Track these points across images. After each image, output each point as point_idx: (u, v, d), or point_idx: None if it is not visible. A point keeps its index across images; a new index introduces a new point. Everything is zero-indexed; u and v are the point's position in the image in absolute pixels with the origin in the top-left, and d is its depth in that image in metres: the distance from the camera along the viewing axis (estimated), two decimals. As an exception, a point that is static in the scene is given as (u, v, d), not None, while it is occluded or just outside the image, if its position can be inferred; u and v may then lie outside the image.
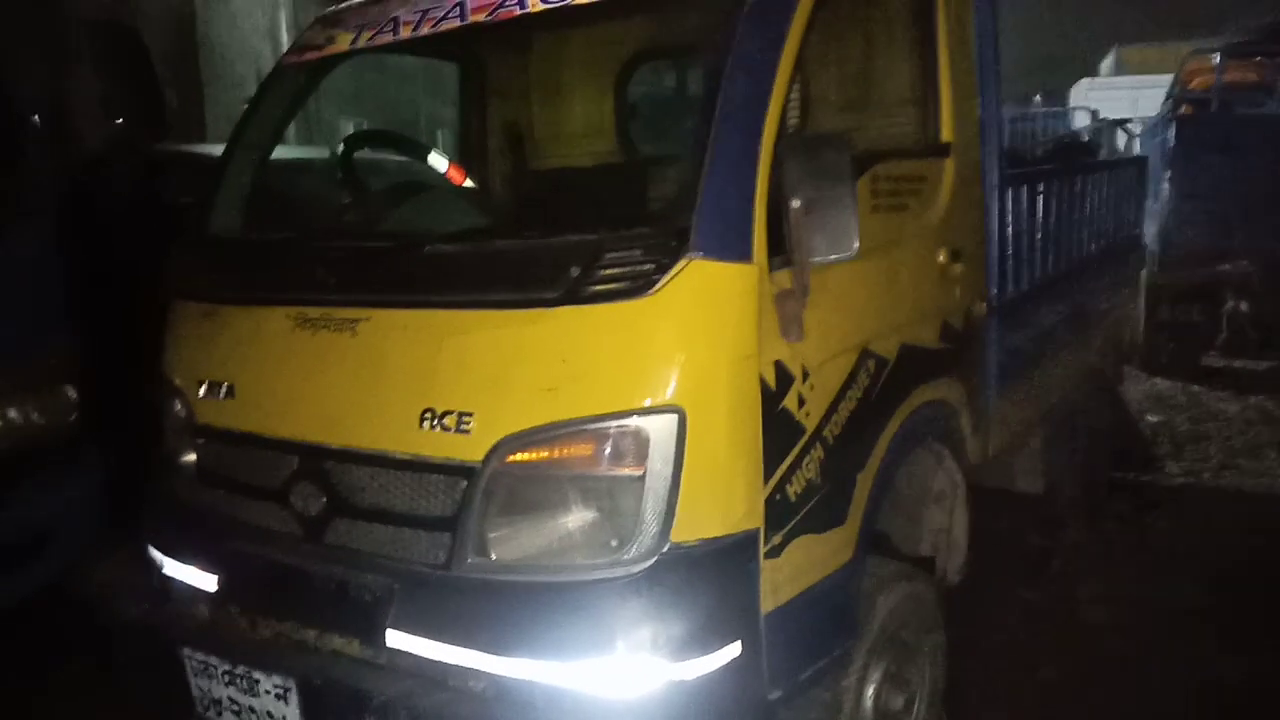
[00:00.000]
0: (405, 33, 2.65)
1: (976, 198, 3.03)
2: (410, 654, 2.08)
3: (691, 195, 1.98)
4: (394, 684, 2.06)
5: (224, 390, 2.46)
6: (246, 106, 2.97)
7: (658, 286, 1.93)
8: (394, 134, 3.35)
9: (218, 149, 3.02)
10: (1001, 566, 3.80)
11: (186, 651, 2.34)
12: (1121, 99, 14.19)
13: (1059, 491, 4.29)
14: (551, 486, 2.03)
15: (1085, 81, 17.57)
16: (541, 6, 2.43)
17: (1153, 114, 9.43)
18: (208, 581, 2.45)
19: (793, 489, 2.16)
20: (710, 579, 2.00)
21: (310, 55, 2.86)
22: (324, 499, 2.24)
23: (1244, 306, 7.16)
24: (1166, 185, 7.21)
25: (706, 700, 1.99)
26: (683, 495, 1.95)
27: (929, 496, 2.99)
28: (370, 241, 2.47)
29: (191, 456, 2.57)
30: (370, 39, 2.73)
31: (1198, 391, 7.16)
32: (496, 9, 2.49)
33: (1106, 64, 22.12)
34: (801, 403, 2.17)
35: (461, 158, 3.77)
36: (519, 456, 2.01)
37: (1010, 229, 3.29)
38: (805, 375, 2.17)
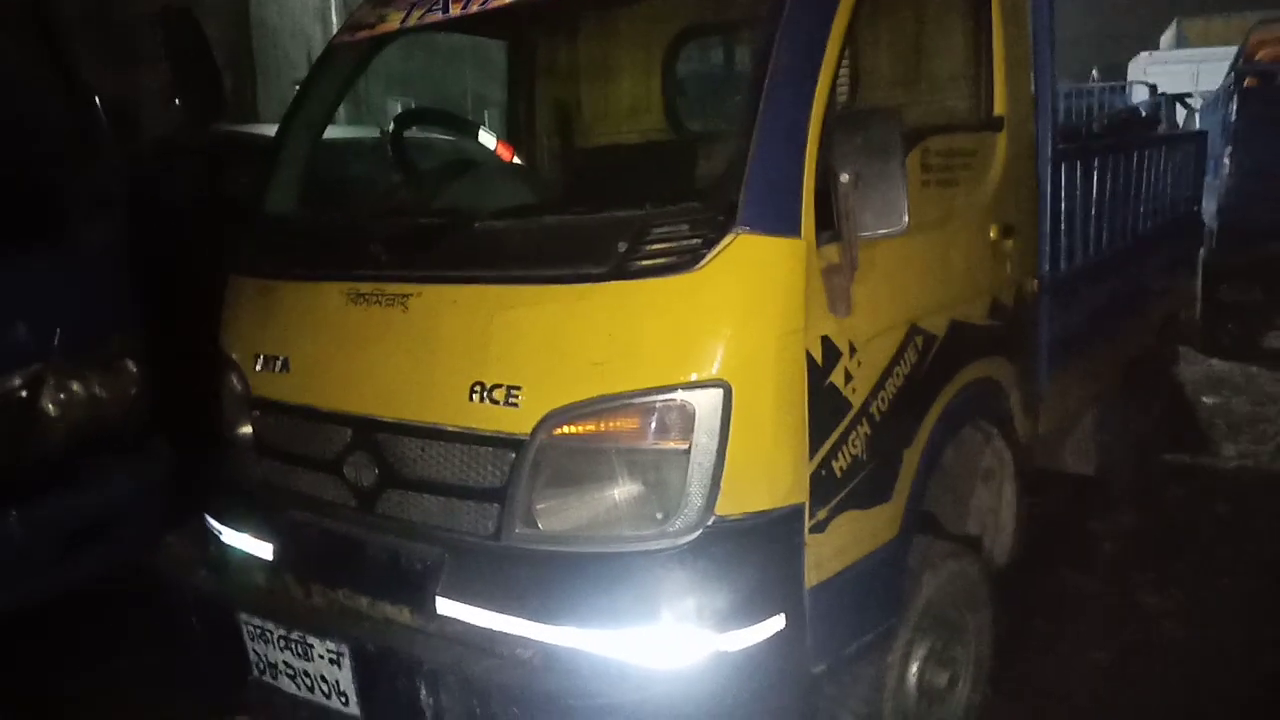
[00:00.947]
0: (455, 10, 2.67)
1: (1029, 173, 2.99)
2: (460, 621, 2.13)
3: (739, 169, 1.98)
4: (444, 650, 2.11)
5: (279, 364, 2.52)
6: (299, 86, 3.02)
7: (705, 261, 1.94)
8: (444, 112, 3.40)
9: (271, 129, 3.08)
10: (1052, 548, 3.76)
11: (244, 617, 2.41)
12: (1182, 73, 13.79)
13: (1111, 473, 4.23)
14: (598, 459, 2.06)
15: (1144, 55, 17.09)
16: None
17: (1214, 88, 9.16)
18: (264, 550, 2.52)
19: (838, 465, 2.16)
20: (755, 552, 2.01)
21: (362, 34, 2.89)
22: (376, 470, 2.29)
23: (1305, 285, 6.96)
24: (1227, 161, 7.01)
25: (750, 671, 2.01)
26: (728, 469, 1.97)
27: (977, 475, 2.97)
28: (421, 218, 2.50)
29: (248, 429, 2.63)
30: (421, 17, 2.75)
31: (1256, 373, 6.98)
32: (546, -14, 2.49)
33: (1167, 37, 21.50)
34: (848, 378, 2.17)
35: (510, 136, 3.79)
36: (566, 429, 2.04)
37: (1063, 205, 3.24)
38: (852, 351, 2.17)
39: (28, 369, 3.04)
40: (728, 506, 1.98)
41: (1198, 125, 8.88)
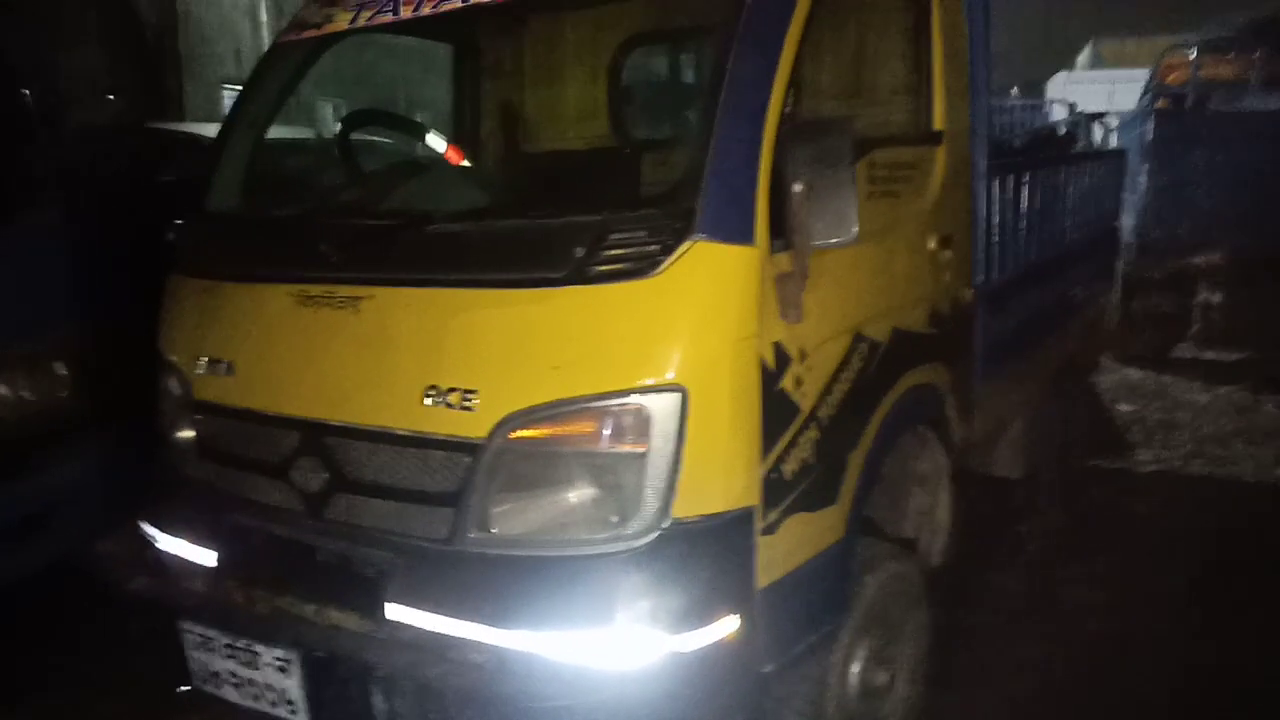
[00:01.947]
0: (406, 12, 2.65)
1: (965, 186, 3.09)
2: (411, 627, 2.11)
3: (697, 177, 2.01)
4: (397, 656, 2.09)
5: (224, 367, 2.47)
6: (244, 84, 2.96)
7: (662, 267, 1.97)
8: (392, 114, 3.36)
9: (200, 128, 3.02)
10: (982, 549, 3.88)
11: (185, 625, 2.36)
12: (1098, 92, 14.32)
13: (1037, 476, 4.38)
14: (555, 463, 2.07)
15: (1062, 74, 17.73)
16: None
17: (1129, 108, 9.55)
18: (206, 557, 2.47)
19: (788, 468, 2.21)
20: (709, 554, 2.05)
21: (309, 34, 2.86)
22: (325, 475, 2.27)
23: (1216, 298, 7.29)
24: (1143, 178, 7.32)
25: (703, 672, 2.04)
26: (683, 472, 2.00)
27: (914, 479, 3.05)
28: (373, 220, 2.48)
29: (190, 433, 2.58)
30: (370, 18, 2.73)
31: (1169, 381, 7.29)
32: (498, -11, 2.50)
33: (1083, 57, 22.31)
34: (799, 383, 2.22)
35: (454, 139, 3.77)
36: (523, 433, 2.04)
37: (995, 218, 3.35)
38: (803, 356, 2.22)
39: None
40: (683, 509, 2.01)
41: (1114, 143, 9.25)
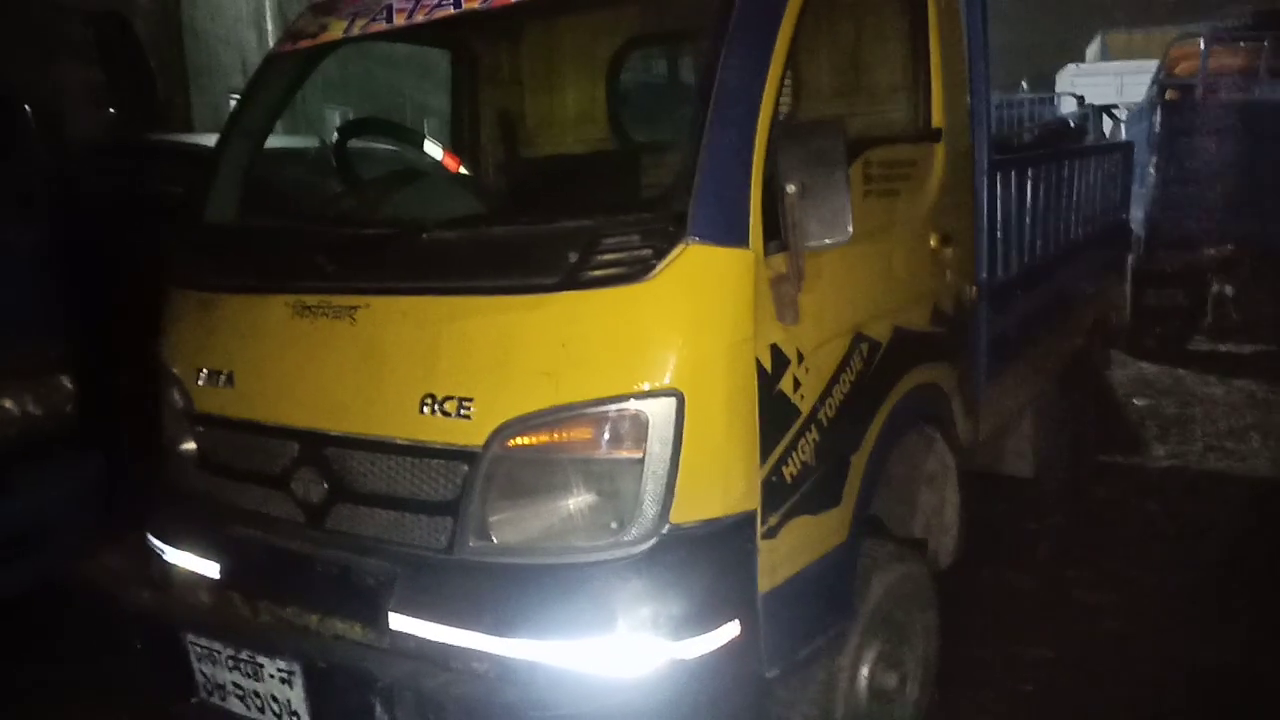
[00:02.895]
0: (400, 20, 2.66)
1: (966, 183, 3.06)
2: (413, 636, 2.11)
3: (688, 181, 2.00)
4: (398, 666, 2.08)
5: (223, 378, 2.47)
6: (240, 96, 2.97)
7: (655, 271, 1.96)
8: (389, 122, 3.35)
9: (205, 139, 3.03)
10: (992, 549, 3.85)
11: (190, 638, 2.35)
12: (1107, 85, 14.26)
13: (1048, 474, 4.35)
14: (552, 470, 2.06)
15: (1071, 67, 17.63)
16: None
17: (1138, 100, 9.48)
18: (209, 569, 2.47)
19: (788, 471, 2.19)
20: (709, 559, 2.03)
21: (304, 44, 2.86)
22: (325, 485, 2.27)
23: (1229, 290, 7.23)
24: (1152, 171, 7.26)
25: (706, 679, 2.02)
26: (681, 477, 1.98)
27: (921, 479, 3.03)
28: (368, 229, 2.48)
29: (191, 445, 2.58)
30: (364, 27, 2.73)
31: (1183, 375, 7.23)
32: (491, -4, 2.50)
33: (1092, 50, 22.20)
34: (797, 385, 2.20)
35: (453, 146, 3.78)
36: (519, 441, 2.03)
37: (999, 214, 3.32)
38: (800, 358, 2.20)
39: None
40: (681, 515, 1.99)
41: (1124, 136, 9.19)
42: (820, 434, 2.29)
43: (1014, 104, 13.51)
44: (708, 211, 1.99)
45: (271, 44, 3.01)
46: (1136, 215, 6.98)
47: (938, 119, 2.87)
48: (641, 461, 1.97)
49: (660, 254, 1.96)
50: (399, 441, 2.15)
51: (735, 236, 2.03)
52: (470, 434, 2.05)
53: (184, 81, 10.25)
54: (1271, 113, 7.33)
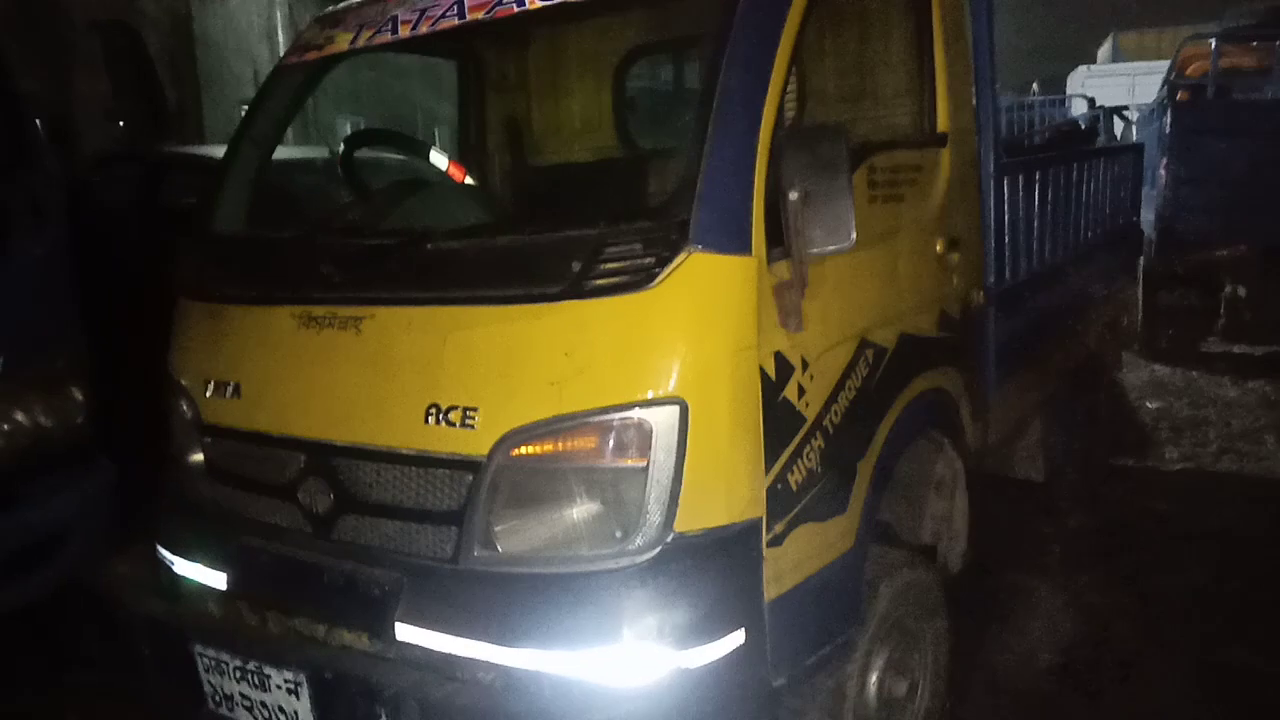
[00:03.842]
0: (404, 32, 2.67)
1: (973, 187, 3.05)
2: (419, 647, 2.11)
3: (690, 188, 2.00)
4: (404, 676, 2.09)
5: (230, 389, 2.48)
6: (247, 107, 2.99)
7: (658, 279, 1.96)
8: (394, 133, 3.37)
9: (217, 150, 3.04)
10: (1004, 554, 3.83)
11: (198, 648, 2.36)
12: (1119, 86, 14.19)
13: (1059, 478, 4.32)
14: (556, 479, 2.06)
15: (1082, 69, 17.55)
16: (539, 4, 2.45)
17: (1150, 101, 9.43)
18: (218, 579, 2.48)
19: (794, 478, 2.19)
20: (714, 568, 2.02)
21: (311, 55, 2.88)
22: (332, 495, 2.27)
23: (1241, 291, 7.17)
24: (1163, 172, 7.22)
25: (712, 687, 2.02)
26: (685, 485, 1.98)
27: (930, 485, 3.01)
28: (373, 239, 2.49)
29: (199, 456, 2.59)
30: (370, 38, 2.74)
31: (1196, 377, 7.18)
32: (494, 7, 2.51)
33: (1104, 51, 22.10)
34: (801, 392, 2.19)
35: (461, 155, 3.79)
36: (524, 450, 2.03)
37: (1007, 217, 3.31)
38: (805, 365, 2.20)
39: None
40: (686, 523, 1.99)
41: (1135, 137, 9.14)
42: (826, 441, 2.28)
43: (1025, 106, 13.46)
44: (710, 219, 1.99)
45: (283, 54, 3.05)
46: (1148, 217, 6.94)
47: (943, 123, 2.87)
48: (645, 470, 1.97)
49: (663, 262, 1.96)
50: (404, 451, 2.16)
51: (738, 244, 2.03)
52: (475, 443, 2.05)
53: (196, 92, 10.33)
54: (1284, 112, 7.28)
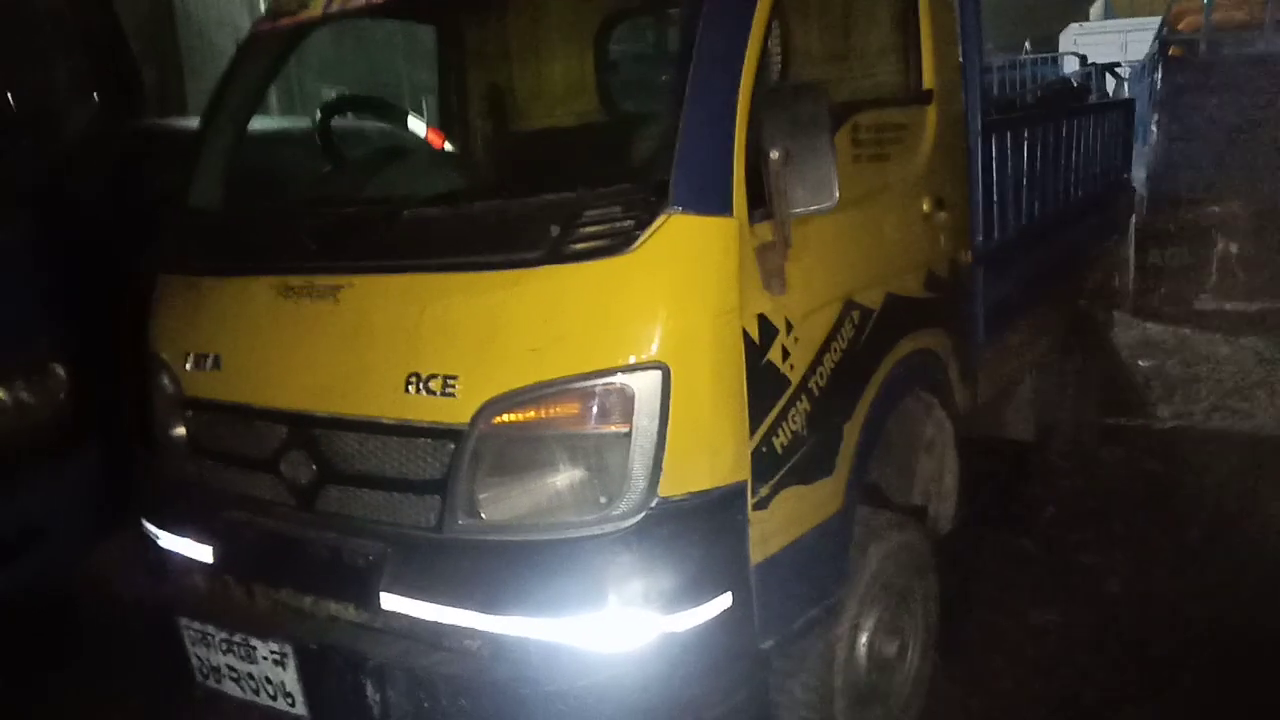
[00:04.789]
0: (378, -5, 2.61)
1: (959, 145, 3.02)
2: (405, 616, 2.10)
3: (669, 149, 1.97)
4: (390, 645, 2.09)
5: (210, 362, 2.46)
6: (220, 77, 2.93)
7: (638, 243, 1.93)
8: (371, 99, 3.33)
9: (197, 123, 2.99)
10: (994, 514, 3.83)
11: (184, 622, 2.36)
12: (1111, 43, 14.05)
13: (1050, 438, 4.32)
14: (539, 446, 2.04)
15: (1074, 26, 17.36)
16: None
17: (1141, 57, 9.35)
18: (203, 553, 2.46)
19: (779, 441, 2.17)
20: (699, 532, 2.02)
21: (284, 22, 2.82)
22: (314, 467, 2.25)
23: (1234, 248, 7.15)
24: (1154, 128, 7.17)
25: (699, 651, 2.02)
26: (669, 450, 1.96)
27: (919, 446, 3.01)
28: (350, 208, 2.45)
29: (182, 430, 2.57)
30: (345, 3, 2.69)
31: (1188, 334, 7.17)
32: (468, -32, 2.46)
33: (1096, 8, 21.88)
34: (786, 355, 2.18)
35: (442, 122, 3.74)
36: (505, 418, 2.02)
37: (995, 176, 3.28)
38: (789, 328, 2.18)
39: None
40: (670, 488, 1.98)
41: (1127, 94, 9.06)
42: (811, 403, 2.27)
43: (1016, 65, 13.33)
44: (689, 180, 1.96)
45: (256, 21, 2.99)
46: (1139, 174, 6.89)
47: (928, 81, 2.83)
48: (628, 436, 1.96)
49: (642, 225, 1.94)
50: (385, 421, 2.14)
51: (718, 205, 2.00)
52: (456, 412, 2.03)
53: (177, 65, 10.19)
54: (1277, 66, 7.21)
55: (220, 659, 2.30)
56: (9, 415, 3.08)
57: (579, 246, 1.97)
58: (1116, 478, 4.66)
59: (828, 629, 2.42)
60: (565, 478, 2.03)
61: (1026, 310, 3.72)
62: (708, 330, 1.99)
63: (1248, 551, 3.76)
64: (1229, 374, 6.26)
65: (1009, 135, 3.48)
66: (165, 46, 9.78)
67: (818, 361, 2.29)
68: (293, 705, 2.22)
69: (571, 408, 1.99)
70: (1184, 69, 7.37)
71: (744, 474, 2.08)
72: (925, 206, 2.79)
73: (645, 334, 1.95)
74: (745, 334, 2.05)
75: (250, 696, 2.29)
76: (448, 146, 3.05)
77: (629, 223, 1.95)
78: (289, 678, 2.20)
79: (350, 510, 2.23)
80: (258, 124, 3.04)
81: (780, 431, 2.17)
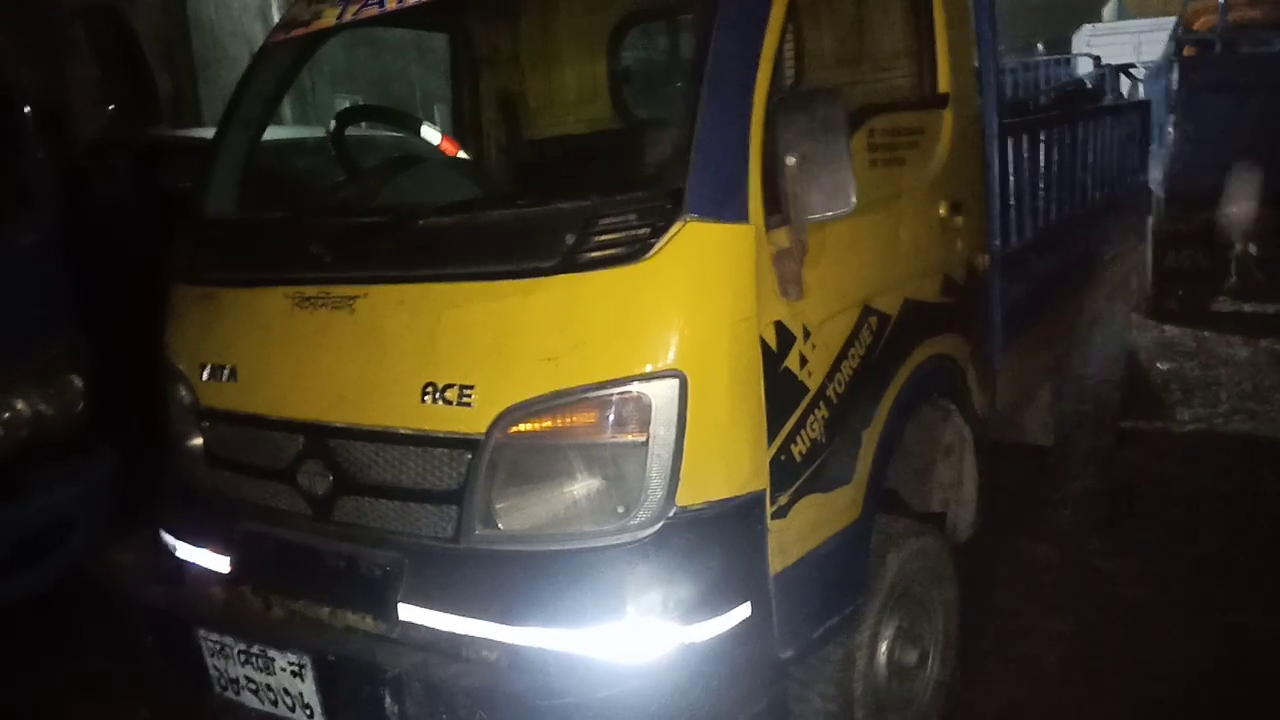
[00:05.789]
0: (391, 4, 2.62)
1: (976, 149, 3.00)
2: (423, 626, 2.10)
3: (684, 157, 1.96)
4: (408, 657, 2.07)
5: (226, 373, 2.46)
6: (235, 87, 2.94)
7: (654, 251, 1.92)
8: (385, 108, 3.32)
9: (212, 133, 3.00)
10: (1013, 520, 3.80)
11: (202, 633, 2.35)
12: (1124, 44, 13.98)
13: (1069, 442, 4.28)
14: (556, 456, 2.03)
15: (1087, 28, 17.30)
16: None
17: (1156, 58, 9.29)
18: (220, 563, 2.46)
19: (797, 449, 2.15)
20: (717, 541, 2.00)
21: (297, 32, 2.83)
22: (331, 477, 2.25)
23: (1252, 249, 7.08)
24: (1170, 129, 7.10)
25: (718, 662, 2.00)
26: (687, 459, 1.95)
27: (938, 452, 2.98)
28: (365, 217, 2.45)
29: (198, 440, 2.57)
30: (356, 12, 2.69)
31: (1207, 337, 7.11)
32: (480, -25, 2.45)
33: (1109, 9, 21.80)
34: (803, 362, 2.16)
35: (455, 130, 3.74)
36: (522, 427, 2.01)
37: (1011, 179, 3.25)
38: (806, 334, 2.16)
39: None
40: (688, 497, 1.96)
41: (1142, 95, 9.00)
42: (830, 410, 2.25)
43: (1030, 67, 13.28)
44: (705, 187, 1.95)
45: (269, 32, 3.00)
46: (1155, 175, 6.83)
47: (944, 84, 2.81)
48: (645, 444, 1.94)
49: (658, 232, 1.93)
50: (402, 431, 2.13)
51: (734, 212, 1.99)
52: (472, 421, 2.02)
53: (192, 75, 10.25)
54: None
55: (239, 670, 2.29)
56: (23, 420, 3.09)
57: (594, 254, 1.96)
58: (1135, 482, 4.61)
59: (847, 638, 2.40)
60: (582, 487, 2.01)
61: (1045, 314, 3.70)
62: (725, 338, 1.98)
63: (1270, 556, 3.71)
64: (1248, 377, 6.21)
65: (1025, 138, 3.45)
66: (180, 56, 9.83)
67: (835, 368, 2.27)
68: (311, 716, 2.21)
69: (588, 417, 1.98)
70: (1200, 69, 7.30)
71: (762, 483, 2.06)
72: (942, 210, 2.77)
73: (662, 342, 1.94)
74: (763, 341, 2.04)
75: (269, 708, 2.28)
76: (461, 155, 3.04)
77: (644, 230, 1.94)
78: (307, 689, 2.19)
79: (367, 520, 2.22)
80: (272, 134, 3.05)
81: (799, 439, 2.16)
